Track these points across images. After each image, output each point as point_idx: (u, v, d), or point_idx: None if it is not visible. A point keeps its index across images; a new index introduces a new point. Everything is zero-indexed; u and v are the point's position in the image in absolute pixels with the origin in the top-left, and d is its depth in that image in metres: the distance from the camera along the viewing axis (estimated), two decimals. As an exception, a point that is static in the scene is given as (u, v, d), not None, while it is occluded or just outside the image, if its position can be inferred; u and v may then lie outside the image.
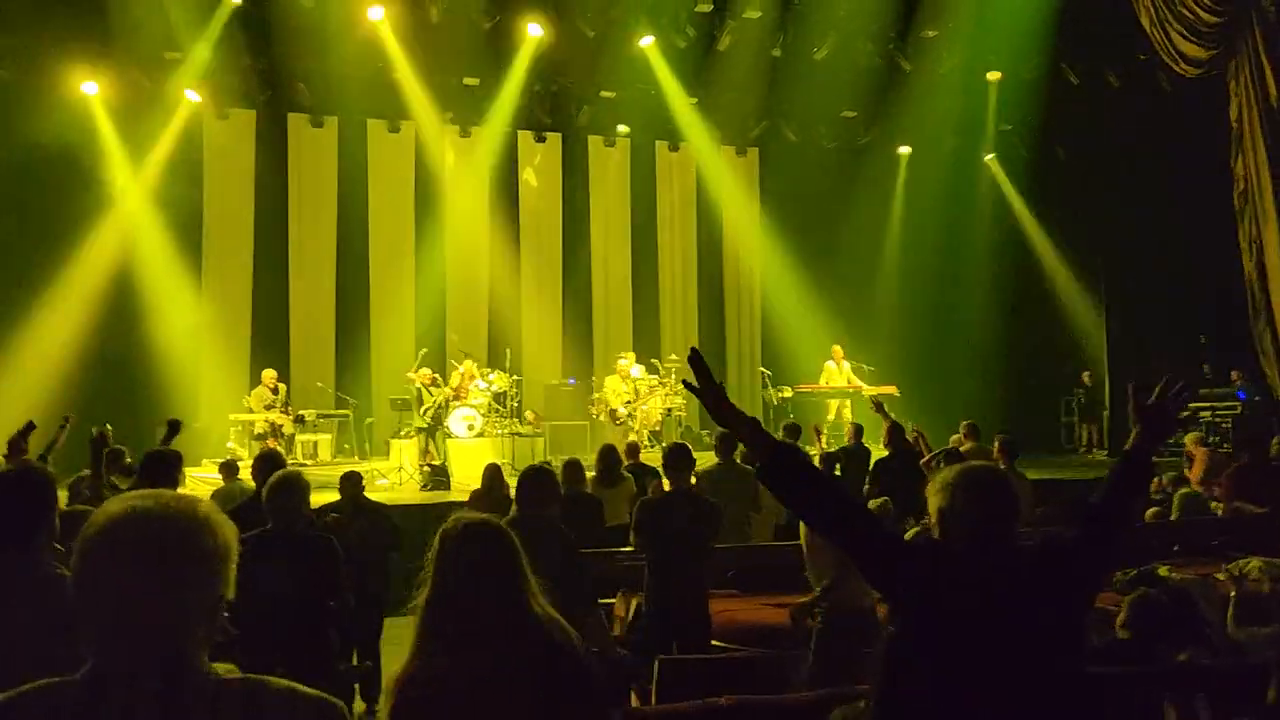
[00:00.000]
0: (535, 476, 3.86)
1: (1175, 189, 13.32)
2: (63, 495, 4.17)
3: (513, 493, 6.12)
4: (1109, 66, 13.93)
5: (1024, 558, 2.35)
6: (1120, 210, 14.43)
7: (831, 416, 13.66)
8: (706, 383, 2.38)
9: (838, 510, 2.36)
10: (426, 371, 12.21)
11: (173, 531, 1.31)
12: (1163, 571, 5.46)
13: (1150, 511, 7.86)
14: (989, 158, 16.06)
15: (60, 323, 11.74)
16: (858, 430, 10.69)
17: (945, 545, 2.31)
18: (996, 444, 8.41)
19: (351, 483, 6.30)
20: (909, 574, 2.26)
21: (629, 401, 12.73)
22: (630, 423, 12.63)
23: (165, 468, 4.55)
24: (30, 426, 5.97)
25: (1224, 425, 12.85)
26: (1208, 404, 13.43)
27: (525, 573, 2.11)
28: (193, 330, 13.48)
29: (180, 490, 1.42)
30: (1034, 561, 2.34)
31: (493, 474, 7.25)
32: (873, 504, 7.02)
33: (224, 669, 1.35)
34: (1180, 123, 13.31)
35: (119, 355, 12.42)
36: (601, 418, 12.89)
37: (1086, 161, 15.18)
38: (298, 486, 3.91)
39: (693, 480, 5.56)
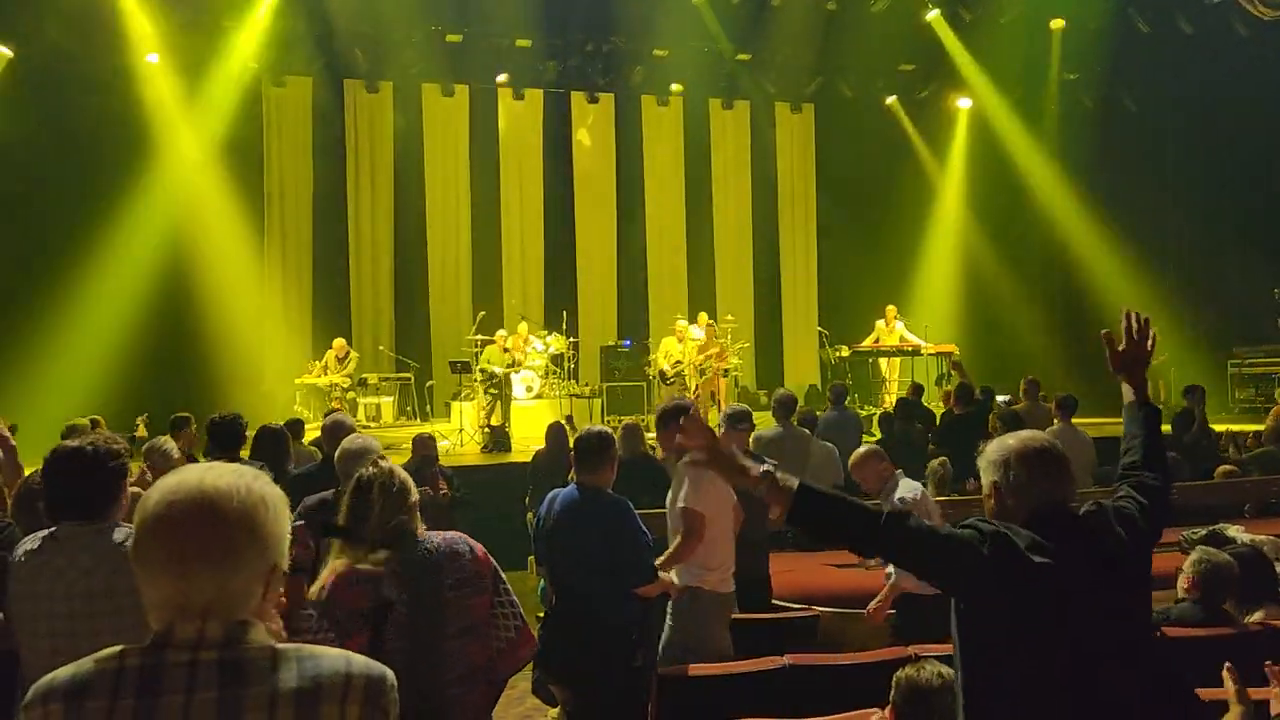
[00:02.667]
0: (588, 442, 3.85)
1: (1250, 136, 12.85)
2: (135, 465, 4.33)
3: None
4: (1180, 12, 13.42)
5: (1090, 527, 2.28)
6: (1191, 160, 13.99)
7: (885, 375, 13.56)
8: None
9: (882, 539, 2.21)
10: (504, 334, 12.32)
11: (225, 504, 1.35)
12: (1231, 531, 5.37)
13: (1220, 469, 7.71)
14: (1052, 109, 15.59)
15: (126, 292, 12.01)
16: (916, 389, 10.62)
17: (1007, 528, 2.22)
18: (1054, 402, 8.33)
19: (423, 445, 6.63)
20: (984, 572, 2.17)
21: (677, 362, 12.73)
22: (683, 382, 12.64)
23: (231, 432, 5.09)
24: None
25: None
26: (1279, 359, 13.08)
27: (406, 502, 2.71)
28: (256, 295, 13.76)
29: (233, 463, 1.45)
30: (1102, 530, 2.28)
31: (557, 432, 7.41)
32: (934, 463, 7.01)
33: (279, 640, 1.40)
34: (1257, 69, 12.81)
35: (184, 323, 12.71)
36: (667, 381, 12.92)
37: (1156, 112, 14.69)
38: (369, 452, 4.00)
39: (750, 442, 5.55)
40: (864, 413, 11.65)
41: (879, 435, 8.92)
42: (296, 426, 8.05)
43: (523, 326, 12.64)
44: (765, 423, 7.28)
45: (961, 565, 2.18)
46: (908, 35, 14.18)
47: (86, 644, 2.35)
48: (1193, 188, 14.06)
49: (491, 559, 2.76)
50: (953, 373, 9.60)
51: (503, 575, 2.77)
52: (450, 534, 2.74)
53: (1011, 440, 2.35)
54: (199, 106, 13.06)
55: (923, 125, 16.16)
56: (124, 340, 11.67)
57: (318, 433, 6.99)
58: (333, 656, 1.39)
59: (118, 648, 1.35)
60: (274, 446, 5.41)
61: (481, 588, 2.68)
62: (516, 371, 11.98)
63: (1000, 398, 10.02)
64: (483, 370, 11.86)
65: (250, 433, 5.61)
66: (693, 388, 12.60)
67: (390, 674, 1.42)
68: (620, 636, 3.55)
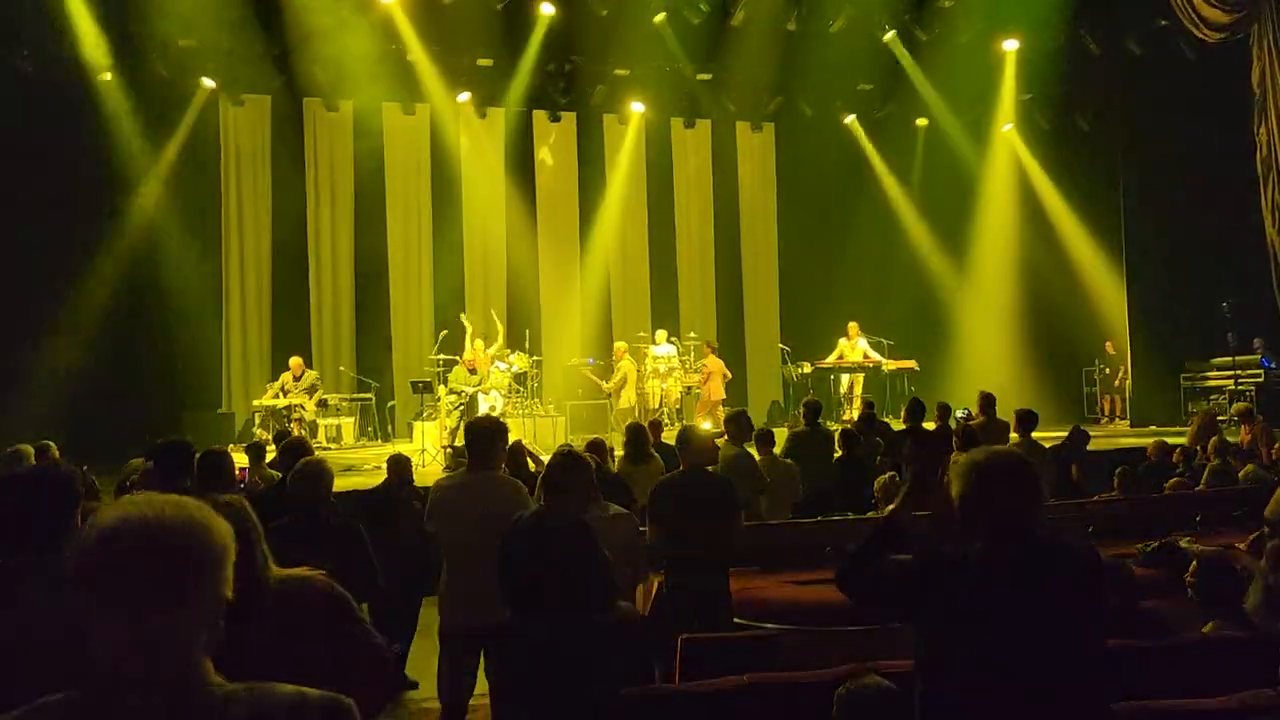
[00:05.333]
0: (558, 464, 3.81)
1: (1197, 156, 13.13)
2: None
3: (532, 466, 6.22)
4: (1130, 34, 13.73)
5: (1046, 560, 2.30)
6: (1142, 180, 14.27)
7: (845, 391, 13.68)
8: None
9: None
10: (469, 357, 12.23)
11: (171, 539, 1.30)
12: (1184, 543, 5.46)
13: (1171, 482, 7.82)
14: (1007, 128, 15.87)
15: (82, 314, 11.81)
16: (868, 405, 10.72)
17: (958, 553, 2.28)
18: (1014, 418, 8.43)
19: (398, 466, 6.51)
20: (932, 597, 2.25)
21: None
22: (646, 401, 12.67)
23: (178, 458, 4.78)
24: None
25: (1248, 393, 12.75)
26: (1231, 372, 13.32)
27: (257, 548, 2.34)
28: (214, 316, 13.59)
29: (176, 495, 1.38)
30: (1061, 557, 2.30)
31: (515, 450, 7.32)
32: (883, 477, 7.06)
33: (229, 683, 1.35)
34: (1203, 90, 13.10)
35: (140, 344, 12.52)
36: (628, 403, 12.92)
37: (1108, 131, 14.99)
38: (320, 475, 3.90)
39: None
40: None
41: (840, 452, 8.95)
42: (258, 449, 7.95)
43: (479, 343, 12.57)
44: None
45: (900, 598, 2.32)
46: (866, 55, 14.35)
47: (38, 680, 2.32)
48: (1144, 204, 14.32)
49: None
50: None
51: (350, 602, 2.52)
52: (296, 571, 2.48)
53: (979, 455, 2.37)
54: (156, 124, 12.91)
55: (881, 143, 16.37)
56: (78, 362, 11.46)
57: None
58: (287, 691, 1.36)
59: (59, 694, 1.30)
60: (216, 473, 5.28)
61: (331, 623, 2.45)
62: (485, 391, 11.93)
63: (959, 413, 10.13)
64: (454, 391, 11.79)
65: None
66: (656, 405, 12.60)
67: (350, 704, 1.38)
68: (575, 663, 3.53)
